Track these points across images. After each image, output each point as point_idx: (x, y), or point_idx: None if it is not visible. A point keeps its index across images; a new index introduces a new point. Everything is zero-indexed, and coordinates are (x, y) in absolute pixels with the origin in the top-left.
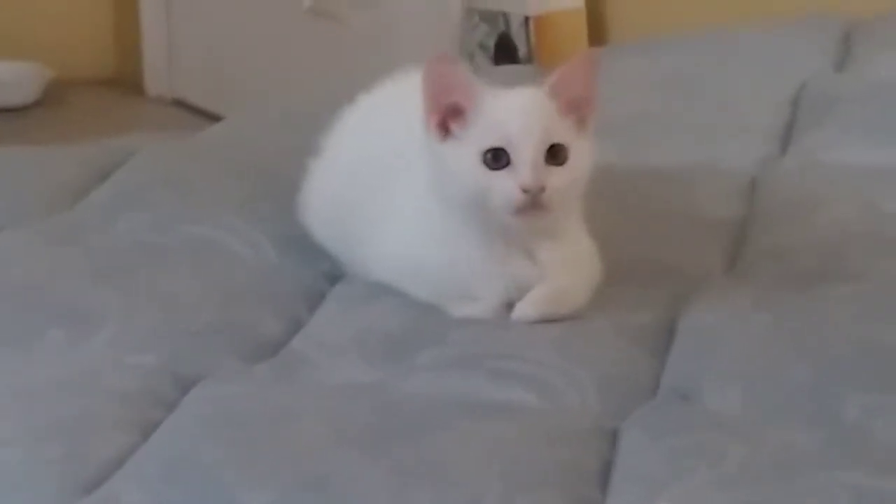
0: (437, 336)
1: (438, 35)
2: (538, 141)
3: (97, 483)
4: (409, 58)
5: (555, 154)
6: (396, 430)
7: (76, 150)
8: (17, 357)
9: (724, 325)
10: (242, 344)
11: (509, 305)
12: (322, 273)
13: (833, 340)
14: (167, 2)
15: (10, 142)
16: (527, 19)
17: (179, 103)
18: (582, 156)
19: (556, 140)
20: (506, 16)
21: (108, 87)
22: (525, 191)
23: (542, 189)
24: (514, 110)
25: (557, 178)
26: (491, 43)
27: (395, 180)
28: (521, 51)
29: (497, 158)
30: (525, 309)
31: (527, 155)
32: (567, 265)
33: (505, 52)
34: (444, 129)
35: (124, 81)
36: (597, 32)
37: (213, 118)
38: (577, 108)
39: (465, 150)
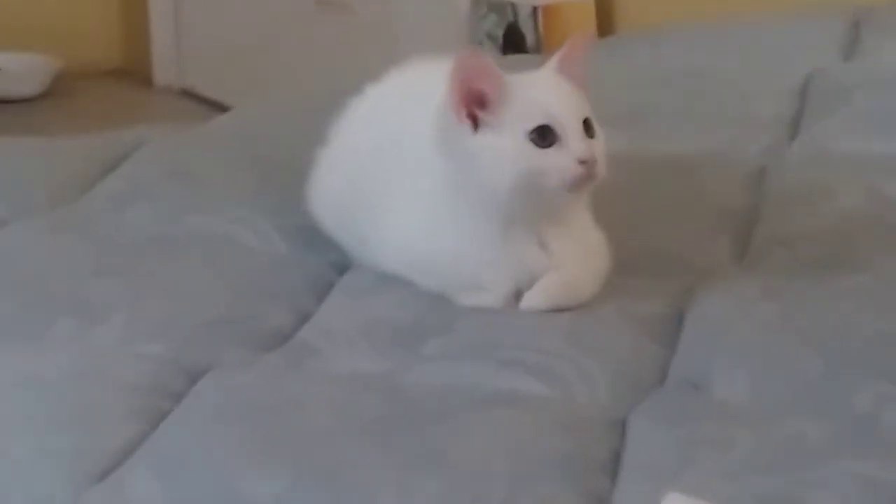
0: (446, 326)
1: (447, 25)
2: (581, 114)
3: (106, 473)
4: (417, 48)
5: (587, 127)
6: (405, 419)
7: (84, 142)
8: (26, 348)
9: (733, 314)
10: (251, 334)
11: (518, 295)
12: (330, 263)
13: (843, 330)
14: None
15: (18, 133)
16: (535, 9)
17: (187, 94)
18: (599, 129)
19: (586, 114)
20: (514, 6)
21: (115, 78)
22: (583, 162)
23: (595, 159)
24: (550, 88)
25: (598, 148)
26: (499, 33)
27: (403, 171)
28: (530, 41)
29: (544, 136)
30: (534, 298)
31: (575, 128)
32: (576, 255)
33: (513, 42)
34: (473, 120)
35: (132, 72)
36: (605, 22)
37: (222, 108)
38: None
39: (506, 135)
